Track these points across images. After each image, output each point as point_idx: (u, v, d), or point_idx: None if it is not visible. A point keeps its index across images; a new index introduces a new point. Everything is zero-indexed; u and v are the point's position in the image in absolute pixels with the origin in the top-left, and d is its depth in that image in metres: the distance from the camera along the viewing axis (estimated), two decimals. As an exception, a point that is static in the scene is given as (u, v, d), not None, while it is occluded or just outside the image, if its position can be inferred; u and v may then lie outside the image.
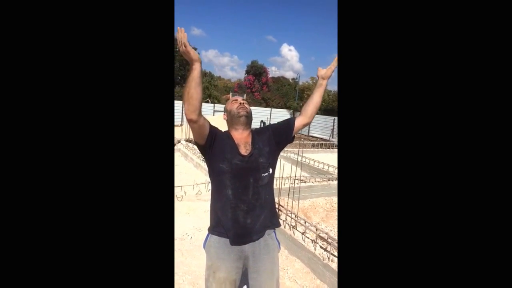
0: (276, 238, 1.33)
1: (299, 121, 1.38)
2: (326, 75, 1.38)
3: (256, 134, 1.33)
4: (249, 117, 1.33)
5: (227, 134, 1.31)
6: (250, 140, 1.29)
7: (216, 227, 1.25)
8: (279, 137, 1.35)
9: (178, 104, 14.51)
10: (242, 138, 1.29)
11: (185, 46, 1.04)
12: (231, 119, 1.33)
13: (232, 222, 1.21)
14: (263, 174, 1.25)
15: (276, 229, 1.35)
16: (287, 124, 1.38)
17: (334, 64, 1.36)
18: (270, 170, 1.28)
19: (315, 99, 1.38)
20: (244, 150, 1.25)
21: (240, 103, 1.33)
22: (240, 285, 1.32)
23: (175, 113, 14.29)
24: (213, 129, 1.25)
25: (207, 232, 1.31)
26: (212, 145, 1.23)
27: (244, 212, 1.21)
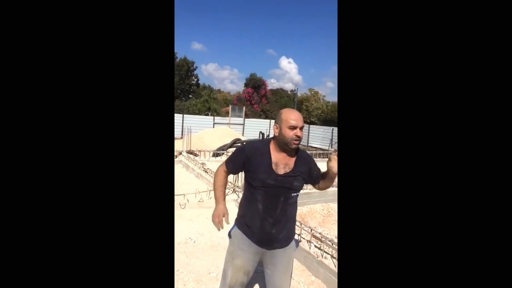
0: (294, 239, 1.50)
1: (316, 182, 1.48)
2: (336, 169, 1.34)
3: (300, 159, 1.40)
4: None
5: (265, 151, 1.37)
6: (291, 161, 1.36)
7: (243, 227, 1.42)
8: (309, 178, 1.45)
9: (178, 117, 14.81)
10: (282, 158, 1.35)
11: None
12: (282, 141, 1.33)
13: (259, 231, 1.36)
14: (293, 194, 1.37)
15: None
16: (316, 175, 1.47)
17: (335, 157, 1.34)
18: (299, 192, 1.43)
19: (327, 185, 1.46)
20: (282, 169, 1.34)
21: (298, 136, 1.32)
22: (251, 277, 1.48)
23: (176, 126, 14.57)
24: (242, 157, 1.37)
25: (231, 225, 1.48)
26: (245, 167, 1.37)
27: (271, 224, 1.36)
